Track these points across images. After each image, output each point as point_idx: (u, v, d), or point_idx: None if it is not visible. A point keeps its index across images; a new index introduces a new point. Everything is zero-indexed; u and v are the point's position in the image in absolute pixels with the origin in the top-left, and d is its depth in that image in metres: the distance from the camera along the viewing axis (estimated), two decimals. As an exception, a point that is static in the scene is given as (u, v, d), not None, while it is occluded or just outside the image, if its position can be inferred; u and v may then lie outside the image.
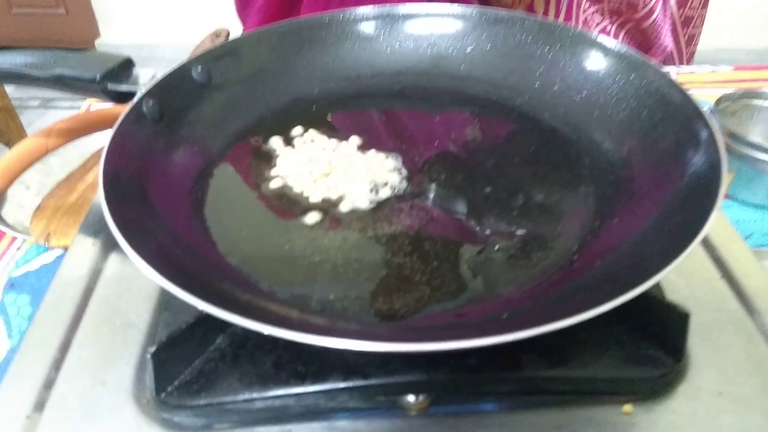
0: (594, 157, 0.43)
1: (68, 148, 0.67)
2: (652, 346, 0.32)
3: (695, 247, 0.39)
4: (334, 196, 0.41)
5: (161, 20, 2.64)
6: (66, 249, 0.41)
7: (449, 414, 0.31)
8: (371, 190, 0.41)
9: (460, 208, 0.40)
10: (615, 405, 0.31)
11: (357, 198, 0.41)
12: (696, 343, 0.33)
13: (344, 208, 0.40)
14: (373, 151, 0.45)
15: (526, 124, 0.48)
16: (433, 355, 0.31)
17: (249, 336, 0.33)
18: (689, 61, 0.87)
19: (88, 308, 0.37)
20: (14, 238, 0.58)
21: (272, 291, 0.34)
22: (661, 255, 0.29)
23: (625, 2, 0.75)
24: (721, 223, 0.41)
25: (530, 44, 0.50)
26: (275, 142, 0.46)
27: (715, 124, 0.36)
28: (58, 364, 0.34)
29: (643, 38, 0.79)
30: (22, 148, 0.62)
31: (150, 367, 0.30)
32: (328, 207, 0.41)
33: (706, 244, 0.40)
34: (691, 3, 0.82)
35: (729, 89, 0.66)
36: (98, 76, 0.45)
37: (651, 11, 0.76)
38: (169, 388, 0.31)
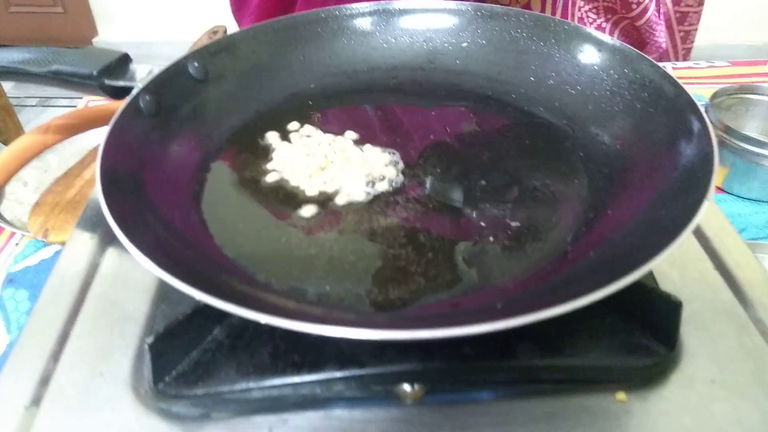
0: (588, 150, 0.43)
1: (66, 144, 0.67)
2: (645, 335, 0.32)
3: (689, 239, 0.40)
4: (330, 190, 0.42)
5: (159, 18, 2.64)
6: (64, 244, 0.41)
7: (445, 403, 0.31)
8: (367, 184, 0.42)
9: (456, 200, 0.41)
10: (609, 393, 0.31)
11: (353, 191, 0.41)
12: (689, 332, 0.33)
13: (340, 201, 0.41)
14: (369, 145, 0.46)
15: (521, 117, 0.48)
16: (429, 344, 0.31)
17: (246, 327, 0.33)
18: (685, 58, 0.88)
19: (86, 301, 0.37)
20: (13, 234, 0.58)
21: (269, 283, 0.35)
22: (653, 245, 0.29)
23: (619, 4, 0.75)
24: (714, 215, 0.41)
25: (525, 39, 0.50)
26: (272, 137, 0.47)
27: (706, 115, 0.37)
28: (56, 356, 0.34)
29: (637, 36, 0.80)
30: (19, 144, 0.62)
31: (147, 357, 0.31)
32: (324, 200, 0.41)
33: (700, 235, 0.40)
34: (686, 0, 0.83)
35: (725, 84, 0.66)
36: (95, 71, 0.45)
37: (645, 10, 0.76)
38: (167, 378, 0.31)
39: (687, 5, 0.82)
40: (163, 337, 0.31)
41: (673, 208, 0.33)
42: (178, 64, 0.46)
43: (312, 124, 0.48)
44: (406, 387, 0.31)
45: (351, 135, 0.47)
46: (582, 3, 0.77)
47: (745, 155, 0.59)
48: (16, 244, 0.57)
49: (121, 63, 0.46)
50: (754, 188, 0.60)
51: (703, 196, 0.31)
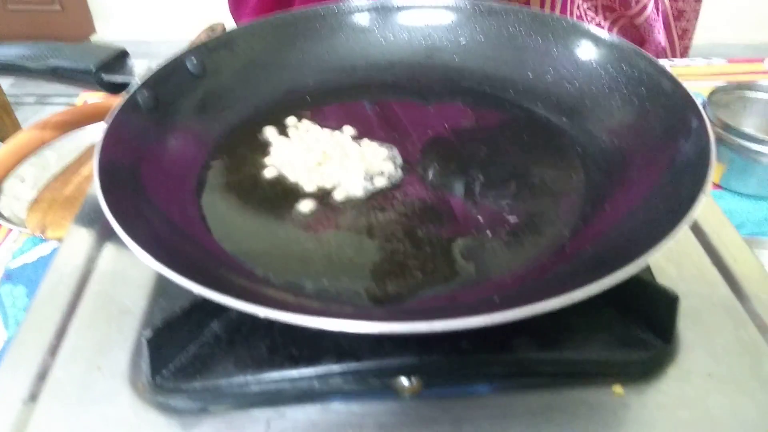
0: (586, 146, 0.43)
1: (63, 141, 0.68)
2: (642, 328, 0.33)
3: (686, 234, 0.40)
4: (328, 185, 0.42)
5: (157, 16, 2.64)
6: (62, 241, 0.41)
7: (442, 396, 0.31)
8: (365, 179, 0.42)
9: (454, 195, 0.41)
10: (606, 386, 0.31)
11: (351, 186, 0.41)
12: (686, 326, 0.34)
13: (338, 196, 0.41)
14: (366, 140, 0.46)
15: (519, 113, 0.48)
16: (426, 338, 0.31)
17: (243, 321, 0.33)
18: (683, 55, 0.88)
19: (84, 296, 0.37)
20: (10, 230, 0.58)
21: (267, 277, 0.35)
22: (650, 239, 0.29)
23: (617, 2, 0.75)
24: (712, 211, 0.42)
25: (523, 35, 0.50)
26: (270, 132, 0.47)
27: (703, 110, 0.37)
28: (54, 350, 0.34)
29: (636, 34, 0.80)
30: (17, 141, 0.62)
31: (145, 351, 0.31)
32: (322, 195, 0.41)
33: (697, 231, 0.40)
34: None
35: (722, 82, 0.66)
36: (93, 67, 0.45)
37: (644, 8, 0.76)
38: (165, 372, 0.31)
39: (684, 1, 0.82)
40: (161, 330, 0.31)
41: (670, 202, 0.33)
42: (176, 59, 0.46)
43: (310, 119, 0.48)
44: (404, 381, 0.31)
45: (349, 130, 0.47)
46: (581, 1, 0.77)
47: (743, 152, 0.59)
48: (14, 240, 0.57)
49: (119, 58, 0.46)
50: (752, 184, 0.61)
51: (700, 191, 0.31)
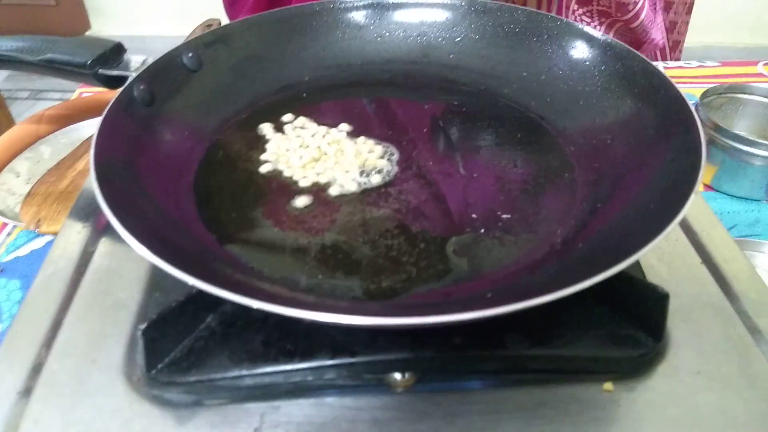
0: (579, 145, 0.43)
1: (58, 135, 0.68)
2: (632, 326, 0.33)
3: (677, 233, 0.40)
4: (323, 181, 0.42)
5: (152, 12, 2.63)
6: (56, 235, 0.41)
7: (435, 391, 0.31)
8: (360, 175, 0.42)
9: (448, 192, 0.41)
10: (596, 383, 0.32)
11: (346, 183, 0.41)
12: (676, 324, 0.34)
13: (334, 192, 0.41)
14: (362, 137, 0.46)
15: (514, 112, 0.48)
16: (420, 333, 0.32)
17: (238, 315, 0.33)
18: (674, 50, 0.88)
19: (79, 290, 0.37)
20: (4, 224, 0.58)
21: (262, 271, 0.35)
22: (641, 237, 0.29)
23: (614, 4, 0.76)
24: (702, 211, 0.42)
25: (518, 34, 0.51)
26: (265, 128, 0.47)
27: (695, 111, 0.37)
28: (49, 343, 0.34)
29: (633, 37, 0.80)
30: (12, 135, 0.62)
31: (140, 344, 0.31)
32: (317, 191, 0.41)
33: (688, 230, 0.41)
34: (675, 8, 0.83)
35: (715, 84, 0.67)
36: (89, 60, 0.45)
37: (637, 14, 0.77)
38: (160, 366, 0.31)
39: (676, 13, 0.83)
40: (156, 323, 0.31)
41: (661, 201, 0.33)
42: (172, 54, 0.46)
43: (306, 115, 0.48)
44: (397, 375, 0.31)
45: (345, 127, 0.47)
46: (576, 6, 0.78)
47: (735, 154, 0.60)
48: (8, 233, 0.57)
49: (115, 52, 0.46)
50: (744, 186, 0.61)
51: (690, 190, 0.31)
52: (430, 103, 0.50)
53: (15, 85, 2.34)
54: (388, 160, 0.44)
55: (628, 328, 0.33)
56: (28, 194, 0.58)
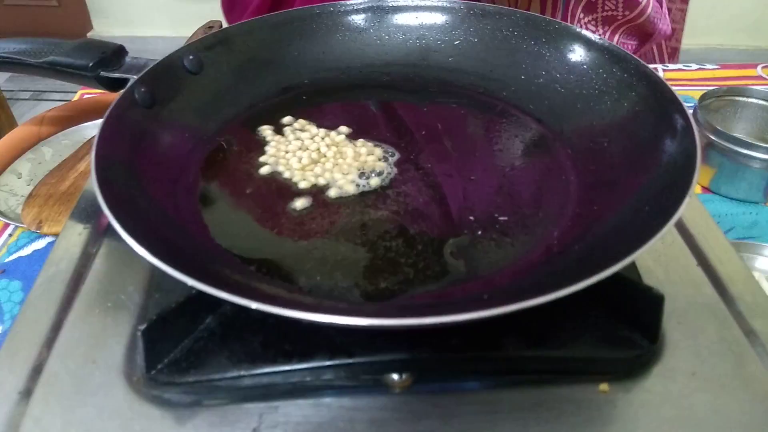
0: (576, 147, 0.44)
1: (60, 136, 0.68)
2: (628, 327, 0.33)
3: (673, 236, 0.40)
4: (322, 183, 0.42)
5: (154, 14, 2.64)
6: (57, 236, 0.42)
7: (432, 392, 0.32)
8: (359, 177, 0.42)
9: (446, 195, 0.41)
10: (592, 384, 0.32)
11: (345, 185, 0.42)
12: (671, 326, 0.34)
13: (333, 194, 0.41)
14: (361, 140, 0.46)
15: (512, 115, 0.49)
16: (417, 334, 0.32)
17: (238, 316, 0.34)
18: (673, 53, 0.89)
19: (80, 290, 0.37)
20: (6, 225, 0.58)
21: (260, 272, 0.35)
22: (636, 238, 0.30)
23: (621, 4, 0.76)
24: (698, 213, 0.42)
25: (516, 38, 0.51)
26: (265, 130, 0.47)
27: (694, 116, 0.37)
28: (49, 343, 0.34)
29: (640, 31, 0.81)
30: (13, 136, 0.62)
31: (140, 344, 0.31)
32: (316, 193, 0.42)
33: (684, 233, 0.41)
34: None
35: (714, 86, 0.67)
36: (91, 63, 0.45)
37: (644, 10, 0.77)
38: (159, 366, 0.32)
39: (671, 1, 0.83)
40: (155, 324, 0.31)
41: (657, 203, 0.34)
42: (173, 56, 0.46)
43: (306, 118, 0.48)
44: (395, 376, 0.31)
45: (344, 129, 0.47)
46: (582, 15, 0.78)
47: (733, 156, 0.60)
48: (10, 234, 0.58)
49: (117, 55, 0.47)
50: (741, 189, 0.61)
51: (685, 192, 0.31)
52: (429, 105, 0.51)
53: (17, 86, 2.34)
54: (387, 162, 0.44)
55: (624, 329, 0.33)
56: (30, 195, 0.58)
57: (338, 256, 0.37)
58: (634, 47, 0.82)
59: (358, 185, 0.42)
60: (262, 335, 0.33)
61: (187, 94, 0.46)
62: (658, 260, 0.38)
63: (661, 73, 0.83)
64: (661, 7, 0.78)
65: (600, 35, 0.77)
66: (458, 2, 0.53)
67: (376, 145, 0.45)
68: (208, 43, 0.49)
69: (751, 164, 0.59)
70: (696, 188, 0.62)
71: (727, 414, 0.31)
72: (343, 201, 0.41)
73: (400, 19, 0.54)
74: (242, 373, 0.31)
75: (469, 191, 0.41)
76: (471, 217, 0.39)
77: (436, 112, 0.50)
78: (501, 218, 0.39)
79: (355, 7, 0.54)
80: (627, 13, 0.77)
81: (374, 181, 0.42)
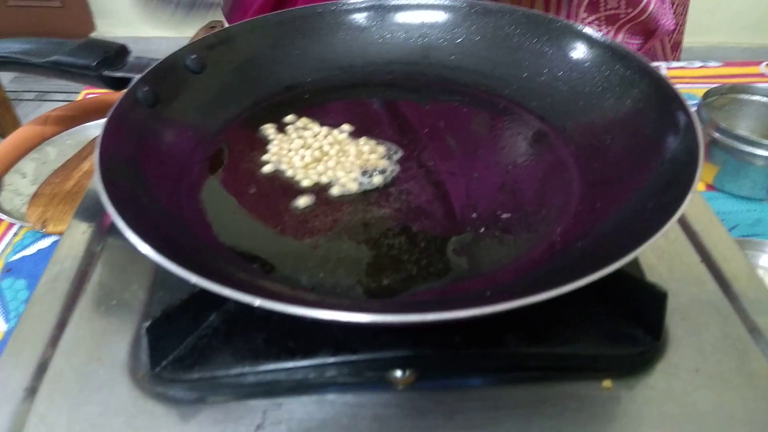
0: (578, 144, 0.44)
1: (64, 136, 0.68)
2: (631, 324, 0.33)
3: (677, 233, 0.40)
4: (325, 181, 0.42)
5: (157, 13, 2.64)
6: (62, 235, 0.42)
7: (435, 388, 0.32)
8: (362, 175, 0.42)
9: (448, 192, 0.41)
10: (595, 381, 0.32)
11: (348, 183, 0.42)
12: (675, 323, 0.34)
13: (335, 192, 0.41)
14: (364, 138, 0.46)
15: (514, 112, 0.49)
16: (420, 331, 0.32)
17: (241, 313, 0.34)
18: (675, 50, 0.88)
19: (84, 288, 0.38)
20: (11, 224, 0.59)
21: (264, 270, 0.35)
22: (639, 235, 0.30)
23: (623, 4, 0.76)
24: (702, 210, 0.42)
25: (518, 36, 0.51)
26: (268, 129, 0.47)
27: (697, 113, 0.37)
28: (54, 341, 0.35)
29: (643, 28, 0.81)
30: (18, 136, 0.62)
31: (145, 341, 0.31)
32: (319, 191, 0.42)
33: (687, 230, 0.41)
34: None
35: (718, 84, 0.67)
36: (94, 63, 0.46)
37: (645, 7, 0.77)
38: (164, 363, 0.32)
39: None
40: (160, 322, 0.31)
41: (659, 200, 0.34)
42: (175, 55, 0.46)
43: (308, 116, 0.49)
44: (398, 373, 0.31)
45: (347, 128, 0.47)
46: (585, 14, 0.78)
47: (737, 154, 0.60)
48: (15, 233, 0.58)
49: (120, 54, 0.47)
50: (745, 186, 0.61)
51: (688, 189, 0.31)
52: (432, 103, 0.51)
53: (21, 86, 2.35)
54: (390, 160, 0.44)
55: (627, 326, 0.33)
56: (35, 195, 0.59)
57: (341, 253, 0.37)
58: (638, 46, 0.82)
59: (360, 183, 0.42)
60: (265, 332, 0.33)
61: (189, 93, 0.47)
62: (661, 257, 0.38)
63: (664, 71, 0.82)
64: (663, 2, 0.78)
65: (604, 33, 0.77)
66: (460, 0, 0.53)
67: (378, 143, 0.46)
68: (211, 42, 0.49)
69: (755, 161, 0.59)
70: (700, 186, 0.62)
71: (731, 410, 0.31)
72: (345, 199, 0.41)
73: (402, 17, 0.54)
74: (246, 370, 0.31)
75: (471, 189, 0.41)
76: (474, 215, 0.39)
77: (438, 110, 0.50)
78: (504, 216, 0.39)
79: (357, 6, 0.54)
80: (630, 10, 0.77)
81: (377, 179, 0.42)
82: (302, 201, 0.41)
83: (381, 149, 0.45)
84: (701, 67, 0.84)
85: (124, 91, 0.42)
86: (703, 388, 0.32)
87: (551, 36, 0.49)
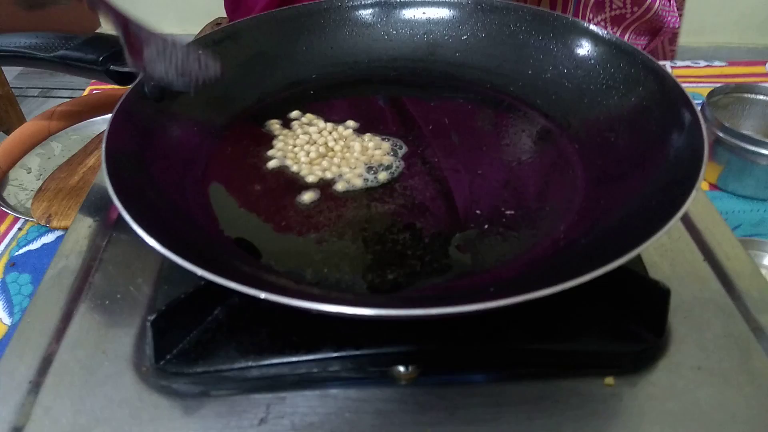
0: (583, 142, 0.44)
1: (69, 131, 0.68)
2: (634, 321, 0.33)
3: (680, 231, 0.40)
4: (330, 177, 0.42)
5: (162, 10, 2.64)
6: (67, 230, 0.42)
7: (438, 384, 0.32)
8: (367, 171, 0.43)
9: (453, 189, 0.41)
10: (597, 377, 0.32)
11: (352, 178, 0.42)
12: (677, 320, 0.34)
13: (340, 188, 0.42)
14: (369, 134, 0.46)
15: (519, 109, 0.49)
16: (423, 327, 0.32)
17: (246, 308, 0.34)
18: (672, 43, 0.88)
19: (89, 282, 0.38)
20: (16, 219, 0.59)
21: (269, 264, 0.36)
22: (642, 232, 0.30)
23: (629, 4, 0.76)
24: (705, 209, 0.42)
25: (524, 33, 0.51)
26: (273, 125, 0.47)
27: (701, 111, 0.37)
28: (59, 334, 0.35)
29: (648, 27, 0.80)
30: (23, 131, 0.63)
31: (149, 335, 0.31)
32: (324, 186, 0.42)
33: (690, 227, 0.41)
34: None
35: (723, 84, 0.67)
36: (101, 57, 0.46)
37: (651, 6, 0.77)
38: (168, 356, 0.32)
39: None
40: (164, 315, 0.31)
41: (663, 197, 0.34)
42: (182, 51, 0.47)
43: (313, 112, 0.49)
44: (401, 368, 0.32)
45: (351, 124, 0.47)
46: (591, 15, 0.78)
47: (741, 153, 0.60)
48: (20, 228, 0.58)
49: (126, 50, 0.47)
50: (749, 186, 0.61)
51: (692, 187, 0.31)
52: (437, 100, 0.51)
53: (26, 83, 2.36)
54: (394, 156, 0.44)
55: (630, 323, 0.33)
56: (39, 190, 0.59)
57: (345, 248, 0.37)
58: (643, 45, 0.82)
59: (365, 179, 0.42)
60: (269, 326, 0.33)
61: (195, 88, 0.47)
62: (664, 255, 0.38)
63: (669, 70, 0.82)
64: (669, 3, 0.78)
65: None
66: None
67: (383, 140, 0.46)
68: (217, 38, 0.49)
69: (759, 161, 0.59)
70: (703, 185, 0.62)
71: (733, 408, 0.31)
72: (350, 195, 0.41)
73: (408, 14, 0.54)
74: (250, 364, 0.32)
75: (475, 185, 0.42)
76: (478, 211, 0.39)
77: (443, 107, 0.50)
78: (507, 212, 0.39)
79: (363, 3, 0.54)
80: (635, 9, 0.77)
81: (382, 175, 0.42)
82: (307, 196, 0.41)
83: (386, 145, 0.45)
84: (706, 66, 0.84)
85: (131, 85, 0.42)
86: (705, 385, 0.32)
87: (556, 33, 0.49)
